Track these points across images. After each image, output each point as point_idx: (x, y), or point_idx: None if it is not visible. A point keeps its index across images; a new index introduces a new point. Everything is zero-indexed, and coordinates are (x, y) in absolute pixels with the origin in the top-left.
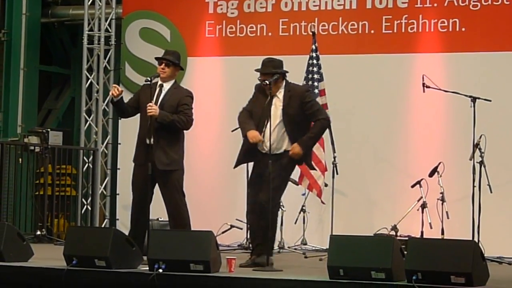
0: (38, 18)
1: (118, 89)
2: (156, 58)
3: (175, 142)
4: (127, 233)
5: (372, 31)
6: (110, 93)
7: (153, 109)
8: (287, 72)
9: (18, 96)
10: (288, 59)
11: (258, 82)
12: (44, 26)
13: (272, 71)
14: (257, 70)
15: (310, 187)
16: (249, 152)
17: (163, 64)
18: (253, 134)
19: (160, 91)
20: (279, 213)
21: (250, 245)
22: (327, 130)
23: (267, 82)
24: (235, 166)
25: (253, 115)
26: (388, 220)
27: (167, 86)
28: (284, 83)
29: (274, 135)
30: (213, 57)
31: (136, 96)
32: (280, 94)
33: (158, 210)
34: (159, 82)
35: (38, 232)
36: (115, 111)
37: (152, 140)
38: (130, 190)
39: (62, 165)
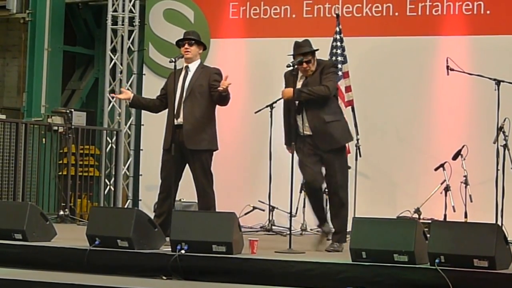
0: None
1: (125, 93)
2: (177, 42)
3: (206, 122)
4: (149, 214)
5: (397, 14)
6: (122, 99)
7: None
8: (317, 50)
9: (42, 77)
10: (312, 41)
11: (283, 65)
12: (68, 7)
13: (313, 49)
14: (298, 53)
15: None
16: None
17: (186, 44)
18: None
19: (186, 73)
20: (302, 194)
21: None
22: (351, 112)
23: (309, 59)
24: (289, 144)
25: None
26: (411, 203)
27: (193, 67)
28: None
29: None
30: (237, 39)
31: (165, 86)
32: (317, 71)
33: (180, 191)
34: (184, 64)
35: (61, 212)
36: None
37: (180, 119)
38: (155, 172)
39: (86, 145)
